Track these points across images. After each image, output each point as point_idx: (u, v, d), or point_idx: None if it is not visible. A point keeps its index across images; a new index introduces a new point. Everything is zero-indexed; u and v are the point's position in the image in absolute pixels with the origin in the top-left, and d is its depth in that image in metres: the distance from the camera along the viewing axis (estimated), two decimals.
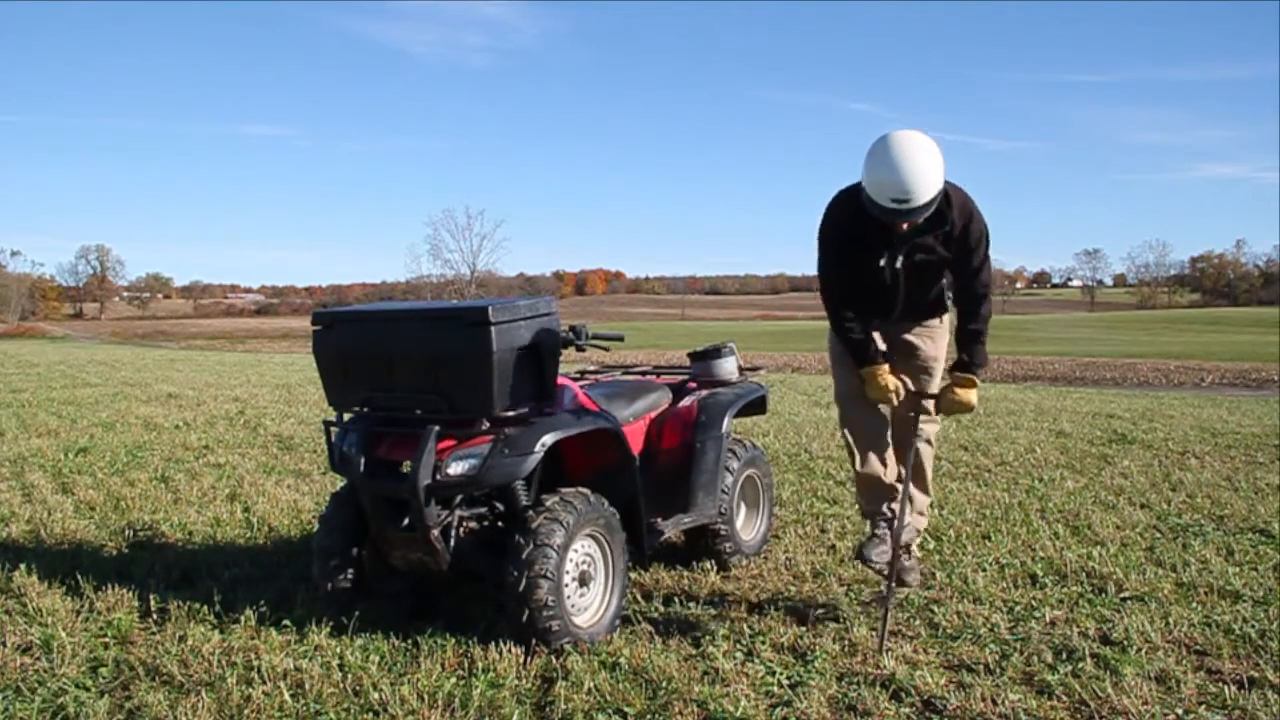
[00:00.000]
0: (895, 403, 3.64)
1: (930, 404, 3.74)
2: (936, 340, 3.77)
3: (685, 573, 4.46)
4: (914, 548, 3.92)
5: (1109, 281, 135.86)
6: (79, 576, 4.25)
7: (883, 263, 3.48)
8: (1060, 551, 4.72)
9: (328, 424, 3.86)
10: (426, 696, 3.06)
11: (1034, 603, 3.95)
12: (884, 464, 3.72)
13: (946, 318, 3.77)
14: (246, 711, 2.97)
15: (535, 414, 3.59)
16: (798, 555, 4.76)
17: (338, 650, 3.42)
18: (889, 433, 3.77)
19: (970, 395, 3.59)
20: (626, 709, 2.97)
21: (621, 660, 3.34)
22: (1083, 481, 6.65)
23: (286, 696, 3.05)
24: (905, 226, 3.35)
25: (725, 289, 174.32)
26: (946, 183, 3.35)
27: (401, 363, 3.54)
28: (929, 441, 3.85)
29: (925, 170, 3.17)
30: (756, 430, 9.21)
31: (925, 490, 3.94)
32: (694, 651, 3.46)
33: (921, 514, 3.93)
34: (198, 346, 48.70)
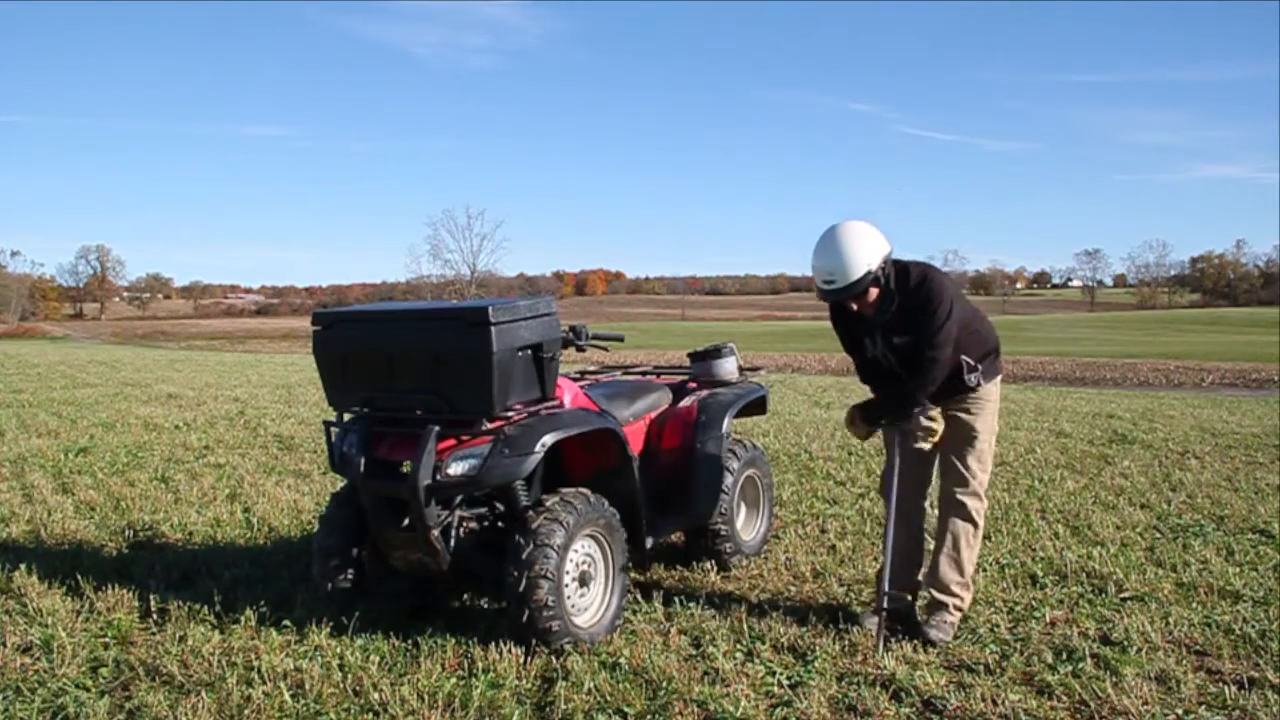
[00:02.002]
0: (862, 439, 3.72)
1: (969, 476, 3.66)
2: (975, 412, 3.66)
3: (685, 573, 4.46)
4: (943, 615, 3.64)
5: (1109, 282, 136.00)
6: (79, 576, 4.25)
7: (868, 347, 3.67)
8: (1060, 551, 4.72)
9: (328, 424, 3.85)
10: (426, 696, 3.06)
11: (1034, 603, 3.95)
12: (910, 535, 3.77)
13: (987, 389, 3.68)
14: (246, 712, 2.97)
15: (535, 414, 3.59)
16: (798, 555, 4.76)
17: (338, 650, 3.42)
18: (919, 505, 3.81)
19: (931, 435, 3.63)
20: (626, 709, 2.97)
21: (621, 660, 3.34)
22: (1083, 482, 6.65)
23: (286, 696, 3.05)
24: (855, 308, 3.56)
25: (725, 289, 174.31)
26: (910, 263, 3.57)
27: (401, 363, 3.53)
28: (968, 518, 3.67)
29: (849, 254, 3.42)
30: (756, 430, 9.21)
31: (956, 569, 3.67)
32: (694, 651, 3.46)
33: (945, 594, 3.66)
34: (198, 347, 48.70)
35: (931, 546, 3.84)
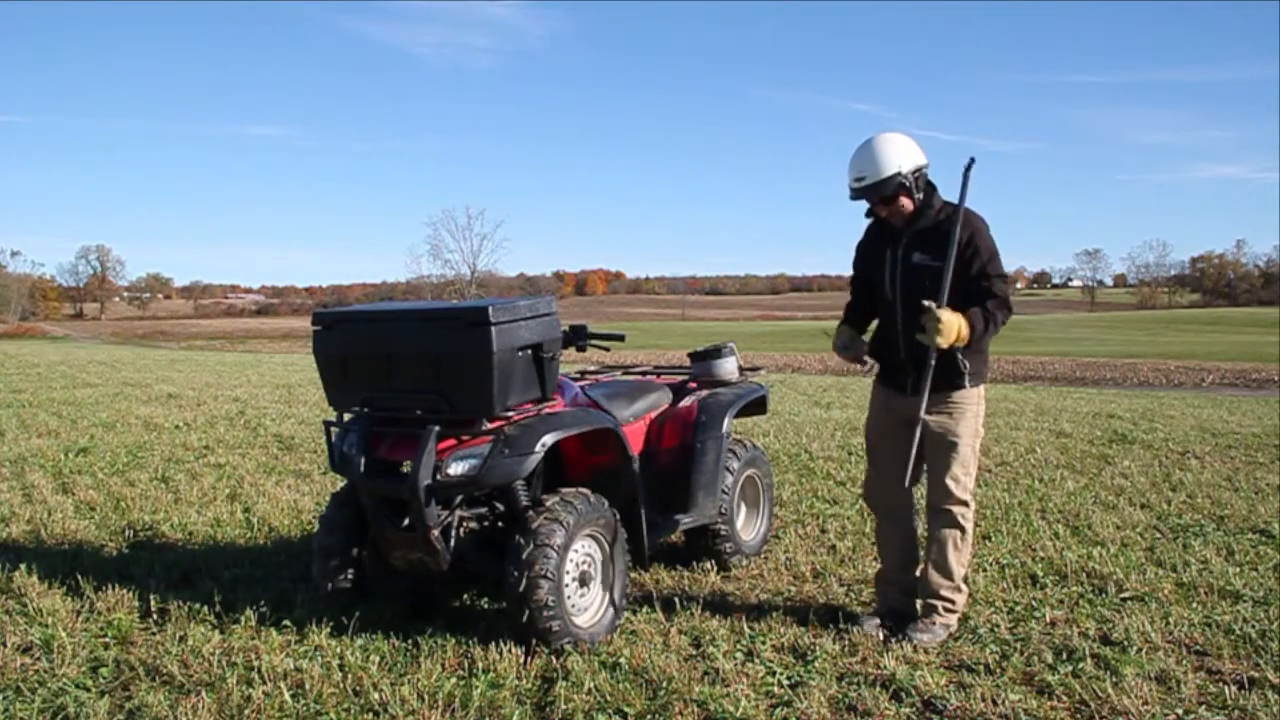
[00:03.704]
0: (846, 358, 3.77)
1: (952, 484, 3.59)
2: (956, 416, 3.57)
3: (685, 573, 4.46)
4: (933, 618, 3.62)
5: (1109, 281, 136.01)
6: (79, 576, 4.25)
7: (886, 259, 3.64)
8: (1060, 551, 4.72)
9: (328, 424, 3.85)
10: (426, 696, 3.06)
11: (1034, 603, 3.95)
12: (905, 535, 3.79)
13: (970, 393, 3.58)
14: (247, 712, 2.97)
15: (535, 414, 3.59)
16: (798, 555, 4.76)
17: (338, 650, 3.42)
18: (910, 504, 3.80)
19: (941, 326, 3.34)
20: (626, 709, 2.97)
21: (621, 660, 3.34)
22: (1083, 481, 6.65)
23: (286, 696, 3.05)
24: (884, 214, 3.59)
25: (725, 289, 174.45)
26: (966, 209, 3.51)
27: (401, 363, 3.53)
28: (955, 525, 3.63)
29: (881, 153, 3.48)
30: (756, 430, 9.21)
31: (944, 575, 3.64)
32: (694, 651, 3.46)
33: (934, 598, 3.63)
34: (198, 347, 48.70)
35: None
